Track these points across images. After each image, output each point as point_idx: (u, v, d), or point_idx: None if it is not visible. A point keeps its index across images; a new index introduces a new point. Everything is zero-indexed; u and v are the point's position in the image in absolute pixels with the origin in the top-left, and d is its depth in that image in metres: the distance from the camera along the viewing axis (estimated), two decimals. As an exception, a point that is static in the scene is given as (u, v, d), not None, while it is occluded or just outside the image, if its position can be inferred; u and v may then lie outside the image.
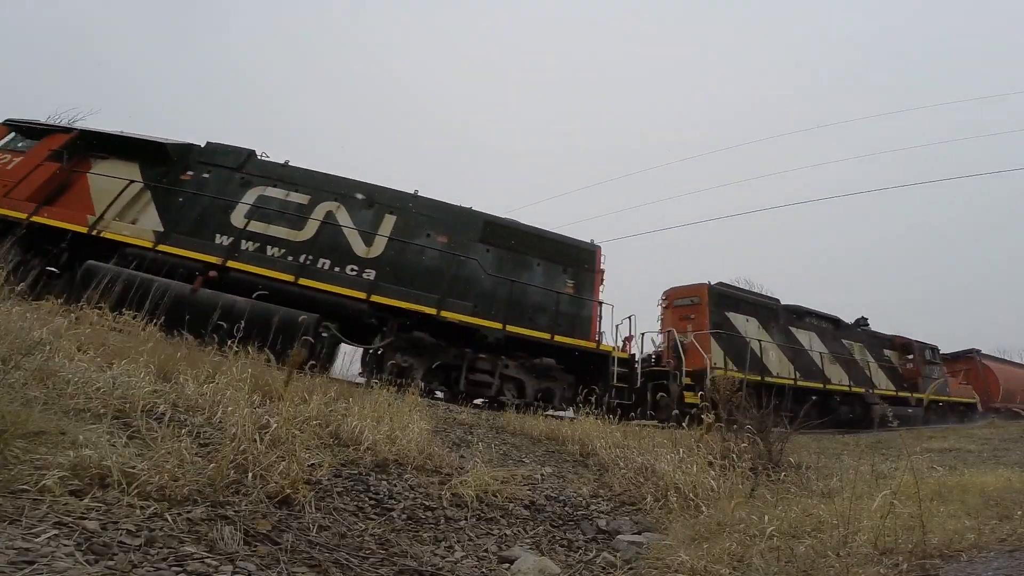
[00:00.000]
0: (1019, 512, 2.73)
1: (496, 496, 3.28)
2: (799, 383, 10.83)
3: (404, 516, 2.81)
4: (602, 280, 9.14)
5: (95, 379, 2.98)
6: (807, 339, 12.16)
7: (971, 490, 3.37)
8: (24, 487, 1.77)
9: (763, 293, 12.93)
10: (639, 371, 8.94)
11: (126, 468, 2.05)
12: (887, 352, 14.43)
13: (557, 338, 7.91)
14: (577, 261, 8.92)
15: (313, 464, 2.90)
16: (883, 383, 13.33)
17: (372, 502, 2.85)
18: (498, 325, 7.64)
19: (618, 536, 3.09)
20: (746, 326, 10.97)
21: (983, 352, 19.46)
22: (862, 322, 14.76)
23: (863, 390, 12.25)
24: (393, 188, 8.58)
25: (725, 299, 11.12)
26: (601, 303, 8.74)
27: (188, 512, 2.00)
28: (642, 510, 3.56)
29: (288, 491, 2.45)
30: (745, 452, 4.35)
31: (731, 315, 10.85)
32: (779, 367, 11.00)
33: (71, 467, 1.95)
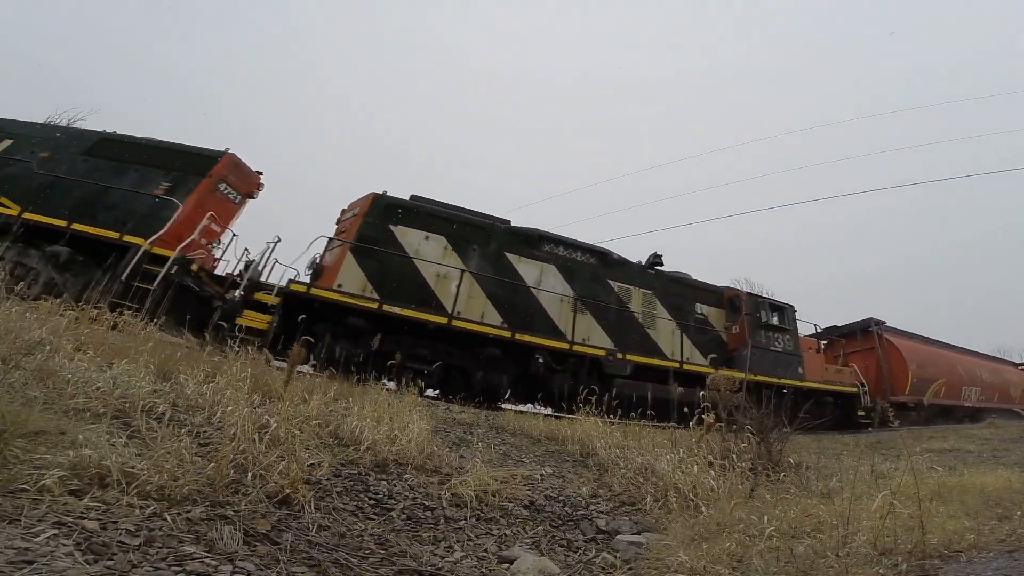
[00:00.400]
0: (1018, 512, 2.73)
1: (496, 496, 3.28)
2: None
3: (404, 516, 2.81)
4: (235, 186, 8.82)
5: (95, 379, 2.99)
6: (535, 273, 8.98)
7: (971, 490, 3.37)
8: (23, 487, 1.77)
9: (485, 213, 9.58)
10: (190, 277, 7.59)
11: (126, 468, 2.05)
12: (702, 308, 10.66)
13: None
14: (186, 167, 8.54)
15: (313, 464, 2.90)
16: (674, 349, 9.60)
17: (372, 502, 2.85)
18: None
19: (618, 536, 3.09)
20: (423, 246, 8.44)
21: (887, 325, 14.50)
22: (655, 261, 10.72)
23: (602, 352, 8.64)
24: (32, 122, 9.47)
25: (396, 211, 8.67)
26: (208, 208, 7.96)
27: (188, 512, 2.00)
28: (642, 510, 3.56)
29: (288, 491, 2.45)
30: (745, 452, 4.35)
31: (399, 229, 8.47)
32: (468, 305, 8.18)
33: (71, 467, 1.95)
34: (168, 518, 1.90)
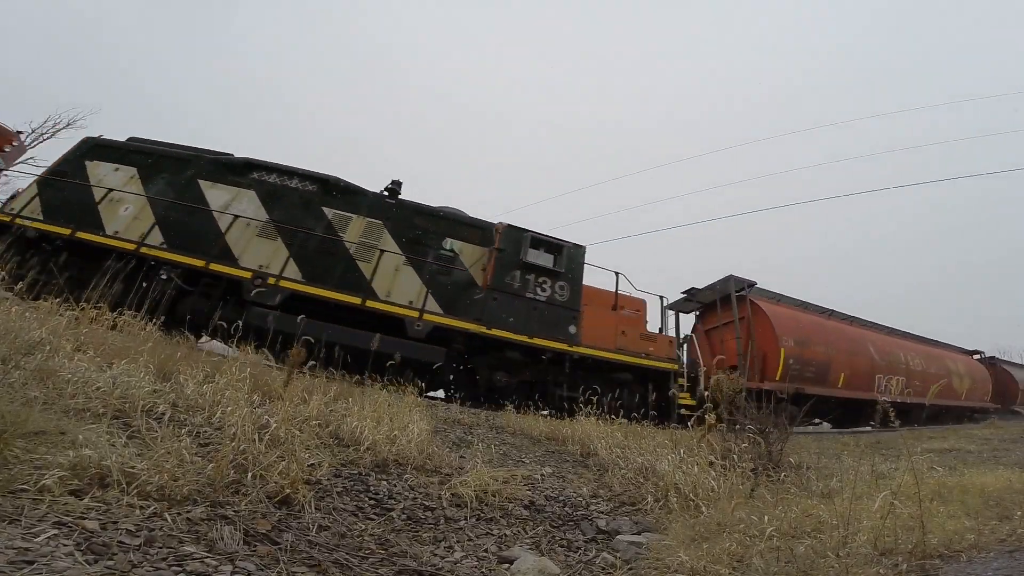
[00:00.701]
0: (1019, 512, 2.74)
1: (496, 496, 3.28)
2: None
3: (404, 516, 2.81)
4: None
5: (95, 379, 2.98)
6: (226, 199, 8.33)
7: (971, 490, 3.37)
8: (24, 487, 1.77)
9: (205, 149, 9.09)
10: None
11: (126, 468, 2.05)
12: (455, 244, 8.63)
13: None
14: None
15: (313, 464, 2.89)
16: (389, 287, 7.96)
17: (372, 502, 2.85)
18: None
19: (618, 536, 3.09)
20: (108, 176, 8.33)
21: (760, 287, 11.25)
22: (392, 188, 9.13)
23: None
24: None
25: (98, 149, 8.64)
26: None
27: (188, 512, 2.00)
28: (642, 510, 3.56)
29: (288, 491, 2.45)
30: (745, 452, 4.35)
31: (93, 164, 8.45)
32: (131, 226, 7.84)
33: (71, 467, 1.95)
34: (168, 518, 1.90)
